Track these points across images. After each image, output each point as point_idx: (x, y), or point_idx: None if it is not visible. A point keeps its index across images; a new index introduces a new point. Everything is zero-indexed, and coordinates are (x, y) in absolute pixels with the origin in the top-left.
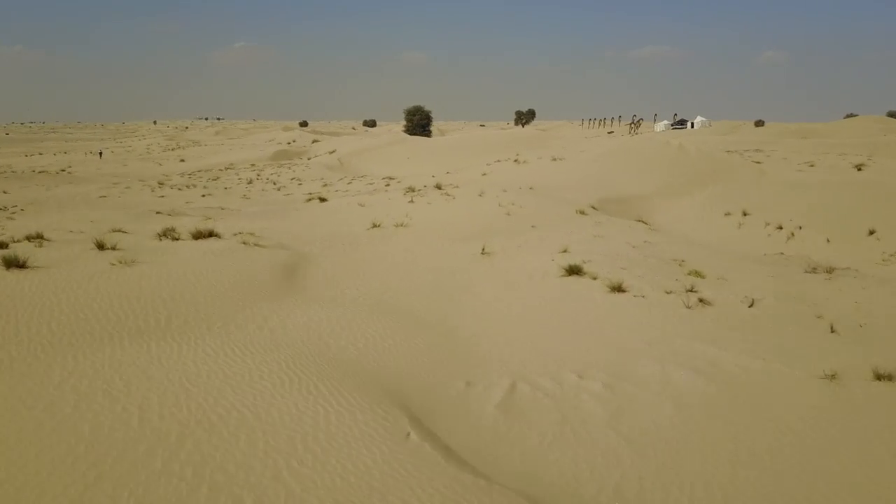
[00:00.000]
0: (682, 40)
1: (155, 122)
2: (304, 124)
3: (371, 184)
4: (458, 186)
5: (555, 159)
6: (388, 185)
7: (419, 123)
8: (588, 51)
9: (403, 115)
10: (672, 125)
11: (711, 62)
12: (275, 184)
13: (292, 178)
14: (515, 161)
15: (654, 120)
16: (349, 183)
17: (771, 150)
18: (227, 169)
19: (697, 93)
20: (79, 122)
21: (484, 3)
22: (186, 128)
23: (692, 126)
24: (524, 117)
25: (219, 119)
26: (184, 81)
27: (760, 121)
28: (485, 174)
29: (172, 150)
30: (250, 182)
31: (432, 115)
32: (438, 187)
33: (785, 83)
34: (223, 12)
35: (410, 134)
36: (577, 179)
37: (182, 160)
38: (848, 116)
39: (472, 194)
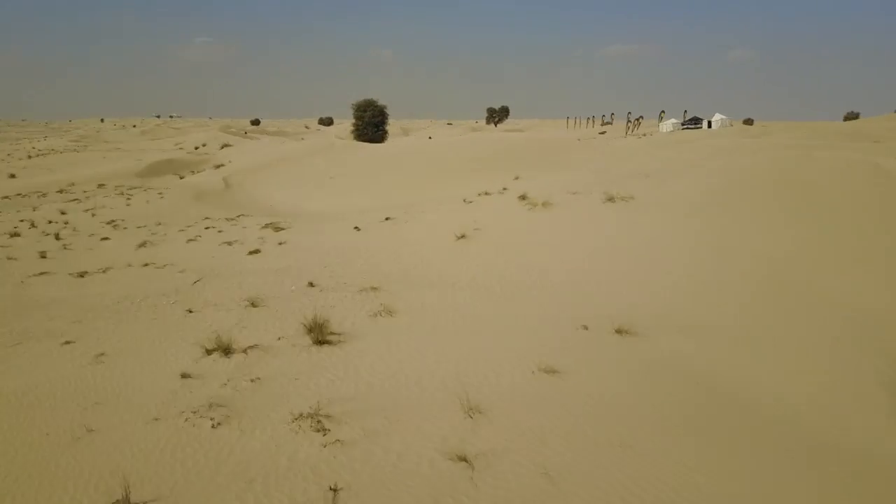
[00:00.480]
0: (651, 38)
1: (102, 120)
2: (255, 122)
3: (228, 242)
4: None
5: (611, 199)
6: (257, 248)
7: (371, 122)
8: (559, 49)
9: (352, 112)
10: (683, 124)
11: (681, 60)
12: (49, 235)
13: (109, 222)
14: (524, 200)
15: (660, 118)
16: (191, 235)
17: None
18: (58, 192)
19: (667, 90)
20: (23, 119)
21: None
22: (113, 127)
23: (709, 125)
24: (497, 115)
25: (171, 117)
26: (144, 78)
27: (749, 119)
28: (464, 236)
29: (34, 157)
30: (14, 232)
31: (390, 111)
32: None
33: (753, 81)
34: (183, 7)
35: (360, 136)
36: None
37: (12, 176)
38: (849, 116)
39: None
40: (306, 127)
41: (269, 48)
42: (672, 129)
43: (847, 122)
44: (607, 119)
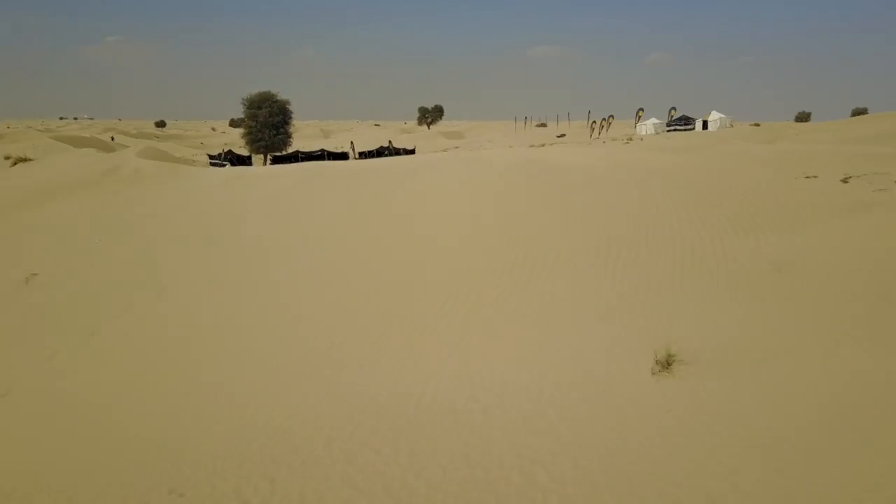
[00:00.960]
0: (574, 40)
1: None
2: (160, 124)
3: None
4: None
5: None
6: None
7: (268, 122)
8: (490, 49)
9: (243, 110)
10: (668, 125)
11: (603, 61)
12: None
13: None
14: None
15: (637, 118)
16: None
17: None
18: None
19: (592, 91)
20: None
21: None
22: None
23: (704, 126)
24: (430, 115)
25: (76, 119)
26: (53, 78)
27: (756, 122)
28: None
29: None
30: None
31: (314, 111)
32: None
33: (671, 83)
34: (93, 5)
35: (254, 141)
36: None
37: None
38: (856, 112)
39: None
40: (213, 129)
41: (187, 46)
42: (654, 131)
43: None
44: (590, 119)
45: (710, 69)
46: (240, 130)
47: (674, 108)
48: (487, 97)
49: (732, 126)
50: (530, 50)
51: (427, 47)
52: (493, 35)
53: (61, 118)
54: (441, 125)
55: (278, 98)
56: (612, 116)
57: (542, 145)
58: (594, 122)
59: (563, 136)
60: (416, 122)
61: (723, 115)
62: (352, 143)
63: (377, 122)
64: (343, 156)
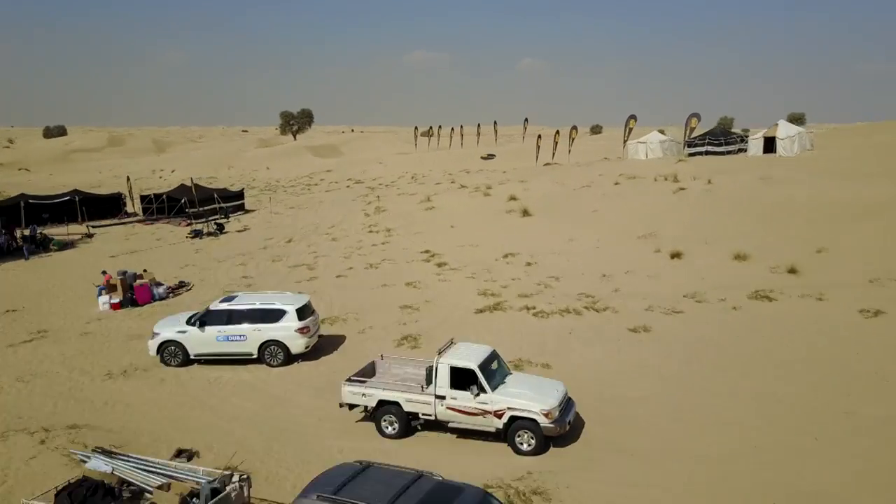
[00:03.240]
0: (451, 45)
1: None
2: None
3: None
4: None
5: None
6: None
7: None
8: (363, 54)
9: None
10: (689, 143)
11: (477, 67)
12: None
13: None
14: None
15: (628, 131)
16: None
17: None
18: None
19: (469, 98)
20: None
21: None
22: None
23: (770, 148)
24: (296, 122)
25: None
26: None
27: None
28: None
29: None
30: None
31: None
32: None
33: (543, 88)
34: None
35: None
36: None
37: None
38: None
39: None
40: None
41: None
42: (662, 154)
43: None
44: (534, 133)
45: (583, 75)
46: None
47: (696, 116)
48: (363, 103)
49: (813, 147)
50: (406, 56)
51: (297, 48)
52: (369, 40)
53: None
54: (311, 134)
55: None
56: (575, 129)
57: (467, 172)
58: (547, 135)
59: (491, 157)
60: (278, 129)
61: (801, 129)
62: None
63: (245, 129)
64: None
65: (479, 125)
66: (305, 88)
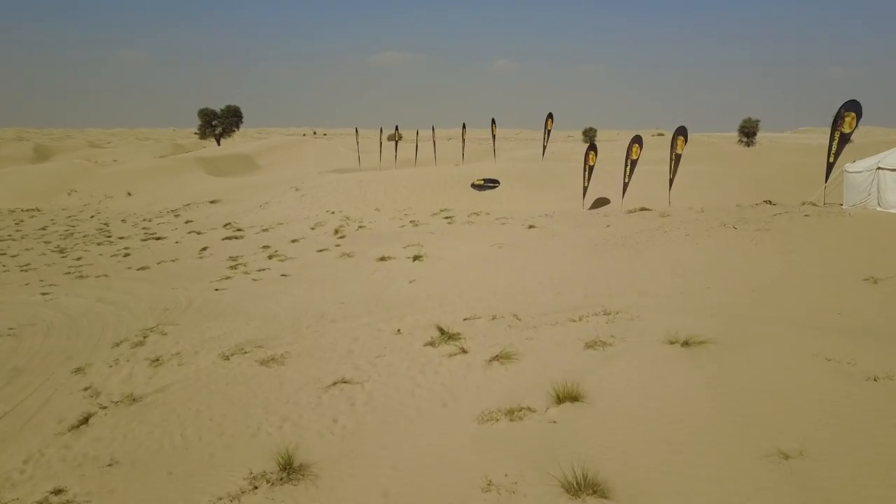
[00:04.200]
0: (421, 46)
1: None
2: None
3: None
4: None
5: None
6: None
7: None
8: (327, 55)
9: None
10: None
11: (449, 68)
12: None
13: None
14: None
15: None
16: None
17: None
18: None
19: (435, 98)
20: None
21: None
22: None
23: None
24: (219, 123)
25: None
26: None
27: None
28: None
29: None
30: None
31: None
32: None
33: (514, 90)
34: None
35: None
36: None
37: None
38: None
39: None
40: None
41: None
42: None
43: None
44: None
45: (552, 75)
46: None
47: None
48: (300, 102)
49: None
50: (374, 56)
51: (253, 45)
52: (334, 39)
53: None
54: (241, 136)
55: None
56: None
57: (448, 215)
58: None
59: (491, 185)
60: (196, 133)
61: None
62: None
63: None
64: None
65: (463, 125)
66: (261, 88)
